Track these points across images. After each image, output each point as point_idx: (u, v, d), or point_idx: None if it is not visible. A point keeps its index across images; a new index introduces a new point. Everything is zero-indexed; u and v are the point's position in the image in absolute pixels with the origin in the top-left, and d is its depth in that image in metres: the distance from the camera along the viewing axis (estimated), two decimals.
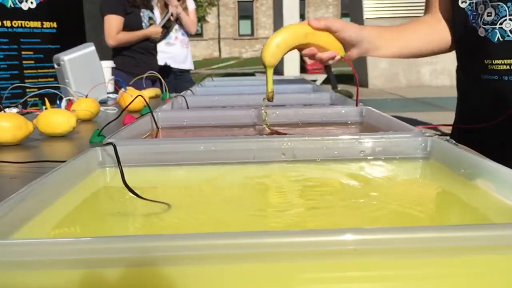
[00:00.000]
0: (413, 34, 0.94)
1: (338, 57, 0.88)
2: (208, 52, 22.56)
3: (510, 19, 0.81)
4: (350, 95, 4.43)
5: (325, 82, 7.41)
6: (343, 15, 22.34)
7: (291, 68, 6.97)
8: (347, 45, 0.89)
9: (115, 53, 2.61)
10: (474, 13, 0.87)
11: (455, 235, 0.33)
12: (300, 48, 0.86)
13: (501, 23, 0.82)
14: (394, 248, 0.32)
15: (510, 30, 0.81)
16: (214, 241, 0.31)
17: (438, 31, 0.94)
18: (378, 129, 0.82)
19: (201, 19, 17.48)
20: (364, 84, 8.63)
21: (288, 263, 0.32)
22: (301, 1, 7.82)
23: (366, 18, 8.45)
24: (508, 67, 0.82)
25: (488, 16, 0.84)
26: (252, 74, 7.87)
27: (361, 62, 8.43)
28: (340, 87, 7.14)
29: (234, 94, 1.36)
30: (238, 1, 23.05)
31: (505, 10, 0.81)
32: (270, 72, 0.82)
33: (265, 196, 0.57)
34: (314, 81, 4.36)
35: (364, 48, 0.89)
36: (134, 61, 2.60)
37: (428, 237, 0.32)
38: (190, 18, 3.04)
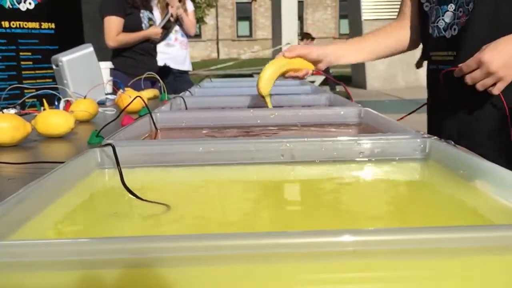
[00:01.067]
0: (377, 41, 1.18)
1: (310, 71, 1.15)
2: (207, 53, 22.55)
3: (442, 19, 0.99)
4: (348, 96, 4.41)
5: (323, 83, 7.42)
6: (342, 16, 22.36)
7: None
8: (315, 62, 1.15)
9: (115, 54, 2.60)
10: (431, 14, 1.04)
11: (454, 236, 0.33)
12: (283, 73, 1.13)
13: (437, 22, 1.01)
14: (393, 249, 0.32)
15: (442, 28, 1.00)
16: (212, 242, 0.31)
17: (399, 36, 1.17)
18: (377, 130, 0.82)
19: (199, 20, 17.46)
20: (363, 85, 8.63)
21: (286, 265, 0.32)
22: (300, 3, 7.82)
23: (365, 20, 8.45)
24: (442, 57, 1.01)
25: (433, 16, 1.03)
26: (251, 75, 7.86)
27: (359, 64, 8.43)
28: (338, 88, 7.14)
29: (232, 95, 1.36)
30: (237, 2, 23.06)
31: (440, 11, 1.00)
32: (268, 99, 1.08)
33: (264, 197, 0.57)
34: (313, 82, 4.36)
35: (329, 61, 1.15)
36: (134, 62, 2.59)
37: (427, 238, 0.32)
38: (189, 20, 3.05)
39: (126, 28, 2.52)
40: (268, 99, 1.07)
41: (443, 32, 1.00)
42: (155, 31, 2.63)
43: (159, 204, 0.48)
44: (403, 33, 1.16)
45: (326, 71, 8.29)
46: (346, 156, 0.65)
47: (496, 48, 0.86)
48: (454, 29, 0.97)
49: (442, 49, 1.01)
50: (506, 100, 0.90)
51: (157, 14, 2.85)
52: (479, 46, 0.88)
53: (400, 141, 0.66)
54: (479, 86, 0.89)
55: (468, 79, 0.89)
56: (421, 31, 1.11)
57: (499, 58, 0.85)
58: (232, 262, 0.32)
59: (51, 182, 0.49)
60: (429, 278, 0.33)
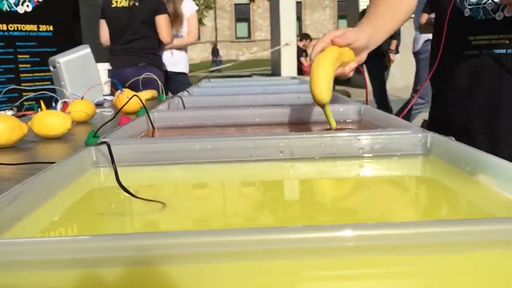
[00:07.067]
0: (389, 16, 1.00)
1: (354, 65, 0.90)
2: (205, 55, 22.55)
3: (492, 0, 0.91)
4: (348, 95, 4.42)
5: None
6: (340, 17, 22.38)
7: (289, 70, 6.96)
8: (358, 51, 0.90)
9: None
10: None
11: (458, 229, 0.32)
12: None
13: (484, 3, 0.93)
14: (396, 244, 0.31)
15: (491, 10, 0.92)
16: (210, 238, 0.30)
17: (405, 7, 1.02)
18: (377, 127, 0.81)
19: (197, 22, 17.48)
20: (362, 86, 8.63)
21: (287, 261, 0.31)
22: (298, 3, 7.80)
23: None
24: (488, 41, 0.93)
25: None
26: (249, 76, 7.86)
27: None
28: (338, 87, 7.13)
29: (230, 95, 1.35)
30: (235, 4, 23.09)
31: None
32: (328, 108, 0.80)
33: (263, 195, 0.56)
34: None
35: (368, 49, 0.93)
36: None
37: (430, 232, 0.31)
38: (189, 27, 2.96)
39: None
40: (328, 108, 0.80)
41: (491, 14, 0.91)
42: None
43: (155, 202, 0.47)
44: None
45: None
46: (346, 152, 0.64)
47: None
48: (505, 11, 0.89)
49: (492, 32, 0.92)
50: None
51: None
52: None
53: (401, 137, 0.65)
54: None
55: None
56: (442, 15, 1.00)
57: None
58: (231, 259, 0.31)
59: (45, 181, 0.48)
60: (433, 273, 0.32)
